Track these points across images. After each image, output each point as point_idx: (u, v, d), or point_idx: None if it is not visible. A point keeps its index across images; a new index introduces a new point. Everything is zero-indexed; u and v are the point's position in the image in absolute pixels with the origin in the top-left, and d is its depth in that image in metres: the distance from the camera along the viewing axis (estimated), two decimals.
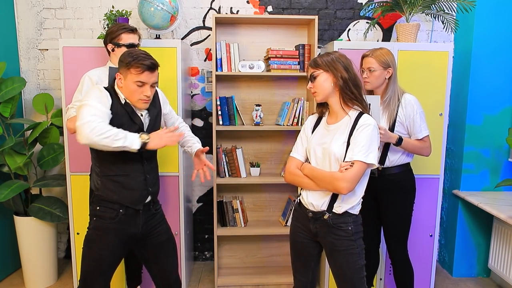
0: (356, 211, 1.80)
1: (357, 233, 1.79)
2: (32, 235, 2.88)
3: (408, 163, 2.33)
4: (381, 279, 2.84)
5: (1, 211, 3.04)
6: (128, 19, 2.71)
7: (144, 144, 1.69)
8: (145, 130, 1.86)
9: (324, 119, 1.88)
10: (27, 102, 3.23)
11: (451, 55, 2.67)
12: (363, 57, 2.27)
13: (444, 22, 2.86)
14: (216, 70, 2.86)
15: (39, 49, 3.20)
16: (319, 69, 1.78)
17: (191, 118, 3.26)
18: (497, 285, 3.07)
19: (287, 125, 2.96)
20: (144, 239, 1.94)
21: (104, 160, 1.81)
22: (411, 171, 2.35)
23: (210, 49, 3.22)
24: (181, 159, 2.74)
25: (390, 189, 2.29)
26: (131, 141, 1.67)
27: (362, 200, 1.82)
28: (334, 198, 1.77)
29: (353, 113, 1.77)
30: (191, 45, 3.21)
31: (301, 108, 2.95)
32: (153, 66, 1.76)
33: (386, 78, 2.22)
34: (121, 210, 1.82)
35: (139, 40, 2.34)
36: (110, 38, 2.26)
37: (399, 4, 2.81)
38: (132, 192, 1.84)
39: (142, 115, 1.86)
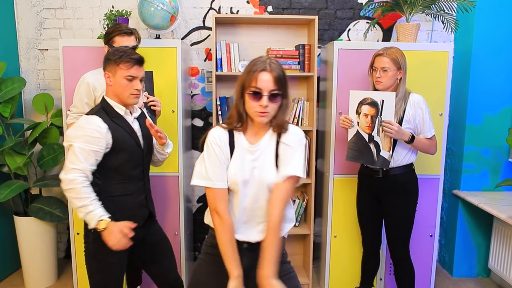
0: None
1: None
2: (32, 235, 2.88)
3: (412, 164, 2.33)
4: (381, 279, 2.83)
5: (1, 211, 3.04)
6: (128, 19, 2.71)
7: (96, 228, 1.68)
8: (139, 136, 1.89)
9: (241, 137, 1.53)
10: (27, 102, 3.22)
11: (451, 55, 2.67)
12: (375, 55, 2.24)
13: (444, 22, 2.86)
14: (216, 70, 2.86)
15: (39, 49, 3.19)
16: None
17: (191, 118, 3.26)
18: (497, 285, 3.07)
19: None
20: (141, 242, 1.94)
21: (108, 178, 1.80)
22: (414, 171, 2.35)
23: (210, 49, 3.21)
24: (181, 159, 2.73)
25: (393, 191, 2.29)
26: (90, 218, 1.68)
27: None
28: None
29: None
30: (191, 45, 3.21)
31: (301, 108, 2.95)
32: (141, 60, 1.83)
33: (398, 79, 2.21)
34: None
35: (138, 41, 2.32)
36: (106, 40, 2.26)
37: (399, 4, 2.81)
38: (134, 212, 1.87)
39: (132, 122, 1.89)
